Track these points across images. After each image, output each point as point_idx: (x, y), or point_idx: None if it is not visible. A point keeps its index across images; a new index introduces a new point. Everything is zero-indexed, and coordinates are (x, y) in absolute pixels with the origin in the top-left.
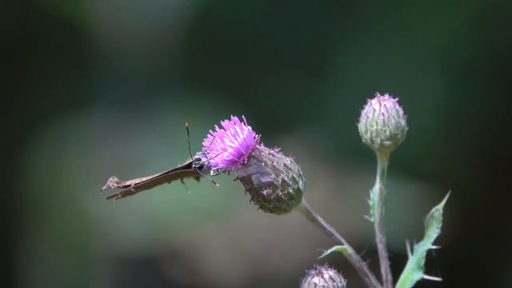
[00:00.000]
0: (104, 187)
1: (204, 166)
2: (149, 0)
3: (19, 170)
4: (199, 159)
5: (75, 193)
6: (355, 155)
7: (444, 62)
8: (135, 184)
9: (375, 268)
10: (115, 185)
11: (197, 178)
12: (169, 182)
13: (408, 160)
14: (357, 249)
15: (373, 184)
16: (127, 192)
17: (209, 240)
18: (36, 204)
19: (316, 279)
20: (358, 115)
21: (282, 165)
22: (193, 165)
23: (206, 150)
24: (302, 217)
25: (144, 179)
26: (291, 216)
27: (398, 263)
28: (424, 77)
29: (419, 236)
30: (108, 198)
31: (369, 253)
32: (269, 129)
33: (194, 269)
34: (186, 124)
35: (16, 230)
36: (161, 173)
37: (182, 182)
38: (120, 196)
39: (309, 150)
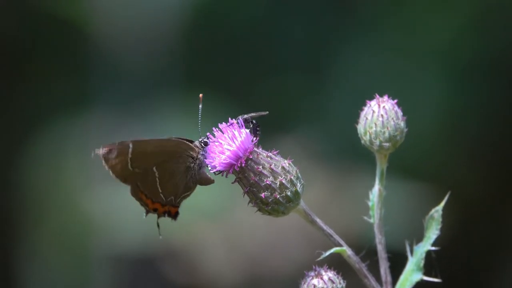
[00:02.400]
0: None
1: (206, 149)
2: (149, 1)
3: (18, 170)
4: (206, 138)
5: (74, 193)
6: (353, 156)
7: (445, 62)
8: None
9: (374, 269)
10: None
11: (189, 168)
12: (158, 217)
13: (408, 161)
14: (355, 250)
15: (371, 185)
16: (123, 158)
17: (207, 240)
18: (35, 204)
19: (315, 281)
20: (357, 115)
21: (280, 167)
22: (199, 139)
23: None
24: (301, 218)
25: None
26: (290, 217)
27: (397, 264)
28: (424, 78)
29: (418, 237)
30: (104, 149)
31: (367, 254)
32: (268, 129)
33: (192, 269)
34: (201, 95)
35: (15, 230)
36: (161, 138)
37: (158, 226)
38: (115, 161)
39: (307, 150)
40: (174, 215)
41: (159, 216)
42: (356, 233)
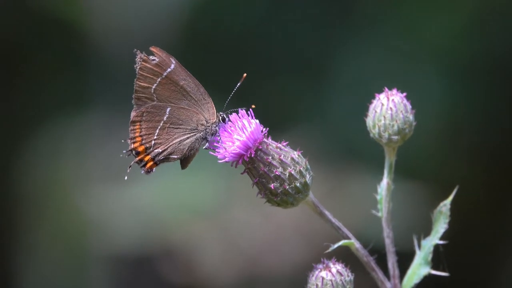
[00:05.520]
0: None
1: (220, 126)
2: (146, 1)
3: (15, 170)
4: (227, 115)
5: (72, 193)
6: (351, 155)
7: (445, 63)
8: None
9: (380, 263)
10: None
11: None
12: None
13: (410, 160)
14: None
15: (368, 184)
16: (156, 73)
17: (205, 239)
18: (33, 204)
19: (323, 273)
20: (354, 115)
21: (289, 159)
22: (221, 112)
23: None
24: (297, 217)
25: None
26: (286, 216)
27: (403, 258)
28: (424, 78)
29: (423, 234)
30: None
31: (372, 250)
32: (265, 128)
33: (189, 268)
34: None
35: (12, 230)
36: (203, 88)
37: (129, 167)
38: (148, 69)
39: (305, 149)
40: (148, 170)
41: (135, 160)
42: (355, 231)
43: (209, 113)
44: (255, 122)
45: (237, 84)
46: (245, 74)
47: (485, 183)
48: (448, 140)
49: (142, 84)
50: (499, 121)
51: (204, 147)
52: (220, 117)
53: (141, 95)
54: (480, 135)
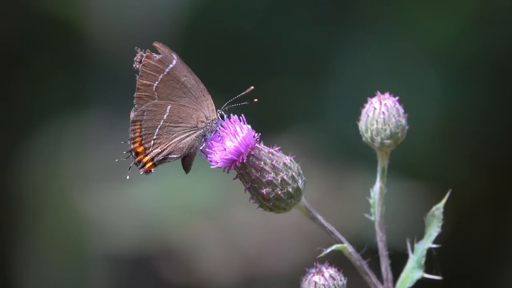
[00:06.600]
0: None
1: (219, 122)
2: (145, 1)
3: (14, 170)
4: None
5: (70, 194)
6: (349, 155)
7: (444, 63)
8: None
9: (374, 267)
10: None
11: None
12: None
13: (407, 161)
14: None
15: (367, 184)
16: (158, 70)
17: (203, 239)
18: (32, 204)
19: (316, 278)
20: (353, 115)
21: (281, 164)
22: (219, 110)
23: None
24: (297, 217)
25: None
26: (286, 216)
27: (397, 262)
28: (423, 78)
29: (418, 236)
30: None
31: (366, 252)
32: (264, 127)
33: (188, 268)
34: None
35: (11, 230)
36: (202, 84)
37: (129, 169)
38: (151, 64)
39: (303, 149)
40: (146, 170)
41: (134, 161)
42: (353, 232)
43: (208, 110)
44: (247, 127)
45: (241, 93)
46: (252, 87)
47: (485, 183)
48: (447, 140)
49: (144, 82)
50: (499, 121)
51: (201, 147)
52: (219, 114)
53: (142, 93)
54: (480, 135)
